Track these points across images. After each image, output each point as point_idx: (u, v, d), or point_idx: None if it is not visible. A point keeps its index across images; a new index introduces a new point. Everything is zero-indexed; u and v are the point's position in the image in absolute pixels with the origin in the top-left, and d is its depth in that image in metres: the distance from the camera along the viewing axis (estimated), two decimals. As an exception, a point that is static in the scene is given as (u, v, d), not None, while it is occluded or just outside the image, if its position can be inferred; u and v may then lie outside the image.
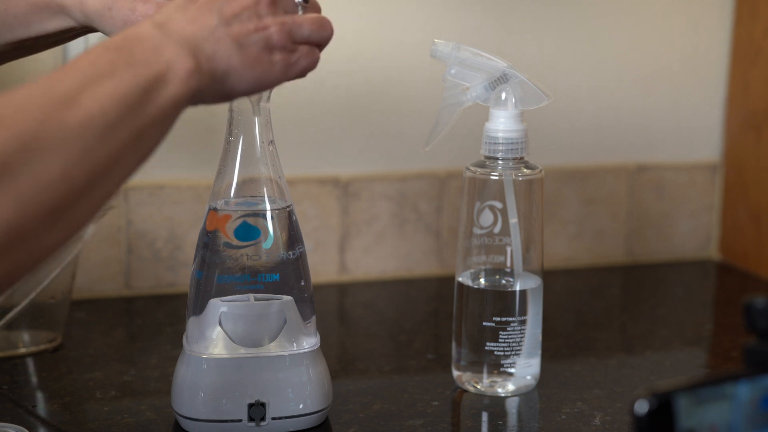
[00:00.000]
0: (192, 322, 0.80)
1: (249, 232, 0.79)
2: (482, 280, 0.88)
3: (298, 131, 1.17)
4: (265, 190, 0.79)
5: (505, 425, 0.85)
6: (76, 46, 1.07)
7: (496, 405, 0.87)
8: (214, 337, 0.79)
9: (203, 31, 0.62)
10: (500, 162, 0.86)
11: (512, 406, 0.87)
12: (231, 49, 0.63)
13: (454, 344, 0.90)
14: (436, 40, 0.85)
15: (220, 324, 0.78)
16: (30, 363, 0.94)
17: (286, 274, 0.79)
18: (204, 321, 0.79)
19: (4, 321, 0.91)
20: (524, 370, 0.88)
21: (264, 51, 0.65)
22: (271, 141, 0.79)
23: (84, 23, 0.78)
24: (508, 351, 0.87)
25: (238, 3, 0.64)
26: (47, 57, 1.08)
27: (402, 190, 1.20)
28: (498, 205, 0.86)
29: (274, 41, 0.65)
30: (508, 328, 0.86)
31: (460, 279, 0.89)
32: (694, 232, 1.32)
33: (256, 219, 0.79)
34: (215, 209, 0.79)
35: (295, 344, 0.80)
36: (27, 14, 0.78)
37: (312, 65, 0.69)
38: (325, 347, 0.84)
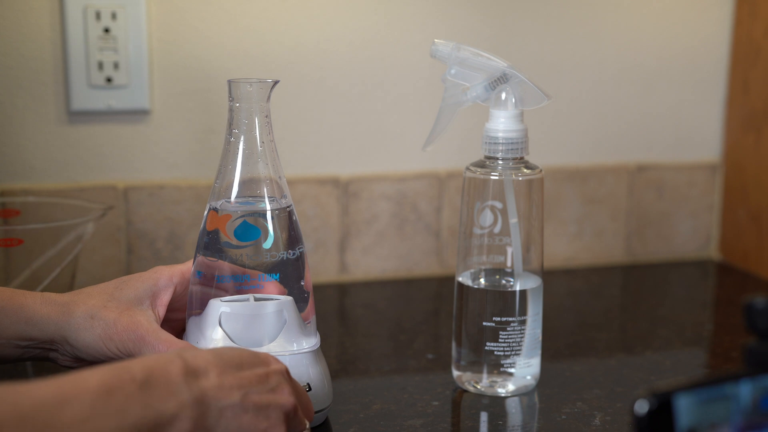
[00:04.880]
0: (192, 322, 0.80)
1: (249, 231, 0.79)
2: (482, 280, 0.88)
3: (298, 131, 1.17)
4: (265, 189, 0.79)
5: (505, 425, 0.85)
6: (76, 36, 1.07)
7: (496, 405, 0.87)
8: (214, 337, 0.79)
9: (221, 402, 0.62)
10: (500, 162, 0.86)
11: (512, 406, 0.87)
12: (230, 426, 0.63)
13: (454, 344, 0.90)
14: (436, 40, 0.85)
15: (220, 324, 0.78)
16: (29, 363, 0.94)
17: (286, 274, 0.79)
18: (204, 321, 0.79)
19: (4, 321, 0.91)
20: (524, 370, 0.88)
21: None
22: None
23: (51, 337, 0.76)
24: (508, 351, 0.87)
25: (268, 398, 0.65)
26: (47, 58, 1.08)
27: (402, 190, 1.20)
28: (498, 205, 0.86)
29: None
30: (508, 328, 0.86)
31: (460, 279, 0.89)
32: (694, 232, 1.32)
33: (256, 219, 0.79)
34: (215, 209, 0.79)
35: (295, 344, 0.79)
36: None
37: None
38: (325, 347, 0.84)
